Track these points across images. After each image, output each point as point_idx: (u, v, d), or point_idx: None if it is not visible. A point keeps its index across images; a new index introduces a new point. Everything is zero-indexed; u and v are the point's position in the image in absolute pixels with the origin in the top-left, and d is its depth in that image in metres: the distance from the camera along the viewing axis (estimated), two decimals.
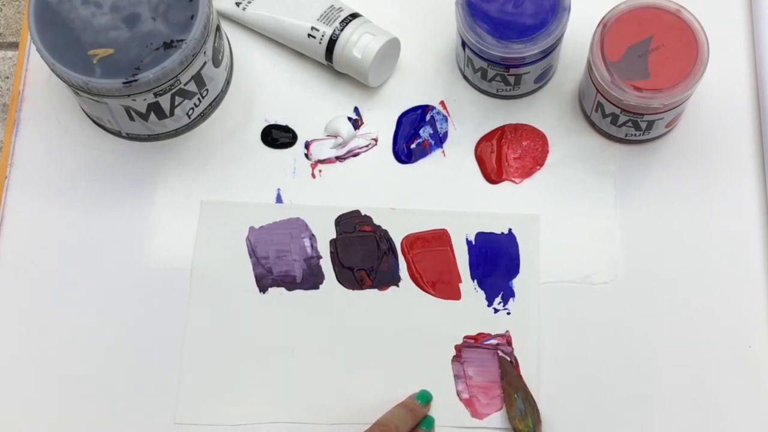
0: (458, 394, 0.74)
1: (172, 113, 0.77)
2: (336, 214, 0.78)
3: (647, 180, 0.79)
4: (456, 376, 0.74)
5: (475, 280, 0.77)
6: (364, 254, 0.77)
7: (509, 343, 0.75)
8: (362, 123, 0.81)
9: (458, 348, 0.75)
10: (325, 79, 0.82)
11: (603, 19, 0.73)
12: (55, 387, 0.75)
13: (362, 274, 0.77)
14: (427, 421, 0.73)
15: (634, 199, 0.78)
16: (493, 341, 0.75)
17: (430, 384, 0.74)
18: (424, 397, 0.73)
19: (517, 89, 0.79)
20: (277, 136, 0.80)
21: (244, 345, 0.76)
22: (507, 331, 0.75)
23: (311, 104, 0.81)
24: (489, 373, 0.74)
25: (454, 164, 0.80)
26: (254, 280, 0.77)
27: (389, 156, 0.80)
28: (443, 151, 0.80)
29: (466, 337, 0.75)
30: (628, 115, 0.75)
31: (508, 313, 0.76)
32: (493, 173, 0.79)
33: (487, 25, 0.74)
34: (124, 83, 0.72)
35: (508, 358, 0.74)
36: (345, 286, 0.77)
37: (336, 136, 0.80)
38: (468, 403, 0.74)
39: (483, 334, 0.75)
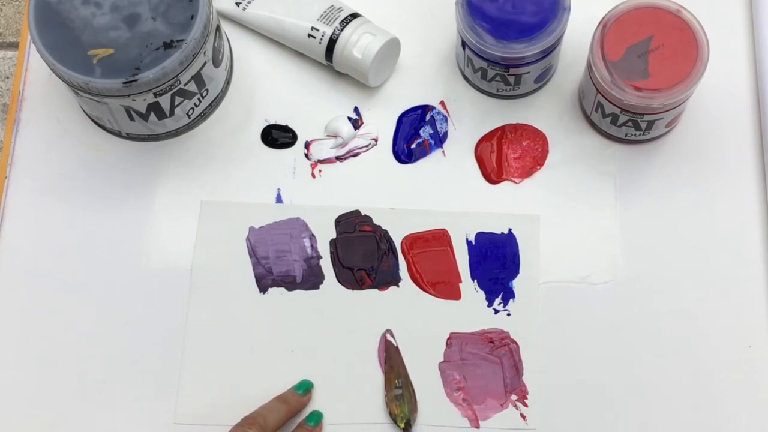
0: (453, 395, 0.74)
1: (172, 113, 0.77)
2: (336, 214, 0.78)
3: (647, 180, 0.79)
4: (451, 379, 0.75)
5: (475, 281, 0.77)
6: (364, 254, 0.77)
7: (510, 343, 0.75)
8: (362, 123, 0.81)
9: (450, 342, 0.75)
10: (325, 79, 0.82)
11: (603, 19, 0.73)
12: (55, 387, 0.75)
13: (362, 274, 0.77)
14: (313, 416, 0.73)
15: (634, 199, 0.78)
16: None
17: (429, 383, 0.74)
18: (303, 386, 0.74)
19: (517, 89, 0.79)
20: (277, 136, 0.80)
21: (244, 345, 0.76)
22: (507, 332, 0.75)
23: (311, 104, 0.81)
24: (486, 376, 0.74)
25: (454, 164, 0.80)
26: (254, 280, 0.77)
27: (389, 156, 0.80)
28: (443, 151, 0.80)
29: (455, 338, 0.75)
30: (628, 115, 0.75)
31: (509, 314, 0.76)
32: (493, 173, 0.79)
33: (487, 25, 0.74)
34: (124, 83, 0.72)
35: (395, 343, 0.74)
36: (345, 286, 0.77)
37: (336, 136, 0.80)
38: (463, 406, 0.74)
39: (484, 335, 0.75)
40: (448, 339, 0.75)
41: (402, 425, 0.72)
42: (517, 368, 0.75)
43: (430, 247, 0.78)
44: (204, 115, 0.80)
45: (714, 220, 0.77)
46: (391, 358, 0.74)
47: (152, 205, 0.79)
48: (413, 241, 0.78)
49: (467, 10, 0.74)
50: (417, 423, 0.73)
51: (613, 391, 0.74)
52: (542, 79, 0.79)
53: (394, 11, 0.83)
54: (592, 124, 0.79)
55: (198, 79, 0.76)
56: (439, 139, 0.80)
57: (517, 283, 0.76)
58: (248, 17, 0.82)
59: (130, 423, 0.74)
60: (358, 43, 0.78)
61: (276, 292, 0.77)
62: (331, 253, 0.77)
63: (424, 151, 0.80)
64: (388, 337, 0.75)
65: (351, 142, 0.80)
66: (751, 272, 0.76)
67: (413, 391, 0.73)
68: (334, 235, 0.78)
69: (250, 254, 0.77)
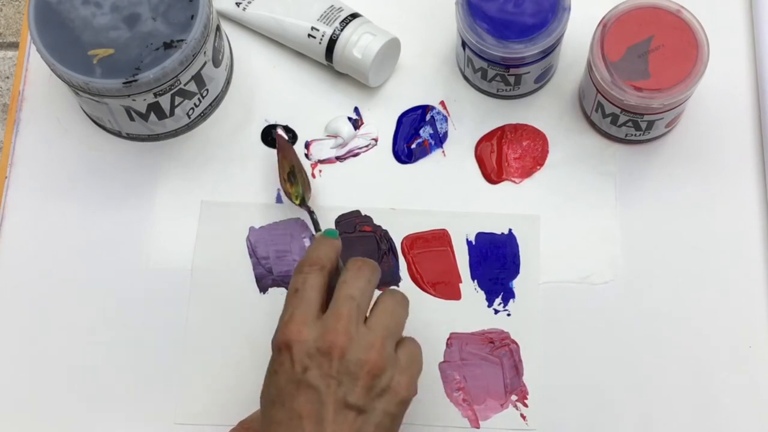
0: (453, 395, 0.74)
1: (172, 113, 0.77)
2: (336, 215, 0.78)
3: (647, 180, 0.79)
4: (452, 379, 0.75)
5: (476, 281, 0.77)
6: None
7: (511, 344, 0.75)
8: (362, 123, 0.81)
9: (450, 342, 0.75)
10: (325, 79, 0.82)
11: (603, 19, 0.73)
12: (55, 387, 0.75)
13: None
14: (330, 231, 0.69)
15: (634, 199, 0.78)
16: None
17: (429, 383, 0.74)
18: (332, 233, 0.68)
19: (517, 89, 0.79)
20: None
21: (244, 345, 0.76)
22: (507, 332, 0.75)
23: (311, 104, 0.81)
24: (486, 376, 0.74)
25: (454, 164, 0.80)
26: (254, 280, 0.77)
27: (389, 156, 0.80)
28: (443, 151, 0.80)
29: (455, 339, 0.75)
30: (628, 115, 0.75)
31: (509, 314, 0.76)
32: (493, 173, 0.79)
33: (487, 25, 0.74)
34: (124, 83, 0.72)
35: (285, 137, 0.79)
36: None
37: (336, 136, 0.80)
38: (463, 406, 0.74)
39: (484, 336, 0.75)
40: (448, 339, 0.75)
41: (297, 202, 0.76)
42: (517, 368, 0.75)
43: (430, 247, 0.78)
44: (204, 115, 0.80)
45: (714, 220, 0.77)
46: (282, 148, 0.77)
47: (152, 205, 0.79)
48: (413, 241, 0.78)
49: (467, 10, 0.74)
50: (312, 202, 0.77)
51: (613, 391, 0.74)
52: (542, 79, 0.79)
53: (394, 11, 0.83)
54: (592, 124, 0.79)
55: (198, 79, 0.76)
56: (439, 139, 0.80)
57: (517, 283, 0.76)
58: (248, 17, 0.82)
59: (130, 423, 0.74)
60: (358, 43, 0.78)
61: (276, 292, 0.77)
62: None
63: (424, 151, 0.80)
64: (280, 131, 0.79)
65: (351, 142, 0.80)
66: (751, 272, 0.76)
67: (305, 174, 0.77)
68: None
69: (250, 254, 0.77)
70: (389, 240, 0.78)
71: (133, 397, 0.74)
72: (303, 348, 0.60)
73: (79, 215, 0.78)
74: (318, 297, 0.63)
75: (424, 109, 0.81)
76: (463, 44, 0.76)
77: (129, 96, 0.73)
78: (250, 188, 0.79)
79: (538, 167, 0.79)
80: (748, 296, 0.76)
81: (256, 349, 0.75)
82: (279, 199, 0.79)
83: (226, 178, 0.79)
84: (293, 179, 0.76)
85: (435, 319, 0.76)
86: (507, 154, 0.80)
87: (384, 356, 0.61)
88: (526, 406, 0.74)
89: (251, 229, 0.78)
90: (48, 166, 0.80)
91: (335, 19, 0.78)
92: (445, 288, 0.77)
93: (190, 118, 0.79)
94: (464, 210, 0.78)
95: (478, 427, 0.74)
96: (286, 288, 0.77)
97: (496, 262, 0.77)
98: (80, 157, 0.80)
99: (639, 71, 0.72)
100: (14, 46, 1.07)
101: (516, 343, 0.75)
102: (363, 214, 0.78)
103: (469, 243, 0.78)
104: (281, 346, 0.61)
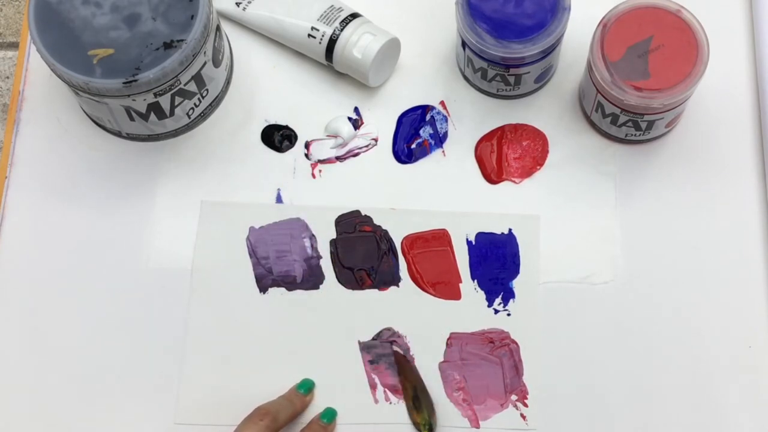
0: (453, 395, 0.74)
1: (172, 113, 0.77)
2: (336, 214, 0.78)
3: (647, 180, 0.79)
4: (452, 379, 0.75)
5: (476, 281, 0.77)
6: (365, 254, 0.77)
7: (510, 343, 0.75)
8: (362, 123, 0.81)
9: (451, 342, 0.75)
10: (325, 79, 0.82)
11: (603, 19, 0.73)
12: (55, 387, 0.75)
13: (362, 274, 0.77)
14: (327, 413, 0.73)
15: (634, 199, 0.78)
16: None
17: (429, 383, 0.74)
18: (305, 386, 0.74)
19: (517, 89, 0.79)
20: (277, 137, 0.80)
21: (244, 345, 0.76)
22: (507, 332, 0.75)
23: (311, 104, 0.81)
24: (486, 376, 0.75)
25: (454, 164, 0.80)
26: (254, 280, 0.77)
27: (389, 156, 0.80)
28: (443, 151, 0.80)
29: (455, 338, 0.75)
30: (628, 115, 0.75)
31: (509, 314, 0.76)
32: (493, 173, 0.79)
33: (487, 25, 0.74)
34: (124, 83, 0.72)
35: (401, 352, 0.74)
36: (345, 286, 0.77)
37: (336, 136, 0.80)
38: (463, 406, 0.74)
39: (484, 336, 0.75)
40: (448, 339, 0.75)
41: (425, 431, 0.72)
42: (517, 368, 0.75)
43: (430, 247, 0.78)
44: (204, 115, 0.80)
45: (714, 221, 0.77)
46: (404, 368, 0.74)
47: (152, 205, 0.79)
48: (413, 241, 0.78)
49: (467, 10, 0.74)
50: (438, 425, 0.73)
51: (613, 391, 0.74)
52: (542, 79, 0.79)
53: (394, 11, 0.83)
54: (592, 124, 0.79)
55: (198, 79, 0.76)
56: (439, 139, 0.80)
57: (517, 283, 0.76)
58: (248, 17, 0.82)
59: (130, 423, 0.74)
60: (358, 43, 0.78)
61: (276, 292, 0.77)
62: (332, 253, 0.77)
63: (424, 151, 0.80)
64: (395, 348, 0.75)
65: (351, 142, 0.80)
66: (751, 272, 0.76)
67: (428, 395, 0.73)
68: (334, 235, 0.78)
69: (250, 254, 0.77)
70: (389, 240, 0.78)
71: (133, 397, 0.74)
72: None
73: (79, 215, 0.78)
74: None
75: (424, 109, 0.81)
76: (463, 44, 0.76)
77: (129, 96, 0.73)
78: (250, 188, 0.79)
79: (538, 167, 0.79)
80: (748, 296, 0.76)
81: (256, 348, 0.75)
82: (279, 199, 0.79)
83: (226, 178, 0.79)
84: (418, 405, 0.72)
85: (435, 319, 0.76)
86: (507, 154, 0.80)
87: None
88: (526, 406, 0.74)
89: (251, 229, 0.78)
90: (48, 166, 0.80)
91: (335, 19, 0.78)
92: (445, 288, 0.77)
93: (190, 118, 0.79)
94: (464, 210, 0.78)
95: (478, 427, 0.74)
96: (286, 288, 0.77)
97: (496, 262, 0.77)
98: (80, 157, 0.80)
99: (639, 71, 0.72)
100: (14, 46, 1.07)
101: (516, 343, 0.75)
102: (363, 214, 0.78)
103: (469, 243, 0.78)
104: None
